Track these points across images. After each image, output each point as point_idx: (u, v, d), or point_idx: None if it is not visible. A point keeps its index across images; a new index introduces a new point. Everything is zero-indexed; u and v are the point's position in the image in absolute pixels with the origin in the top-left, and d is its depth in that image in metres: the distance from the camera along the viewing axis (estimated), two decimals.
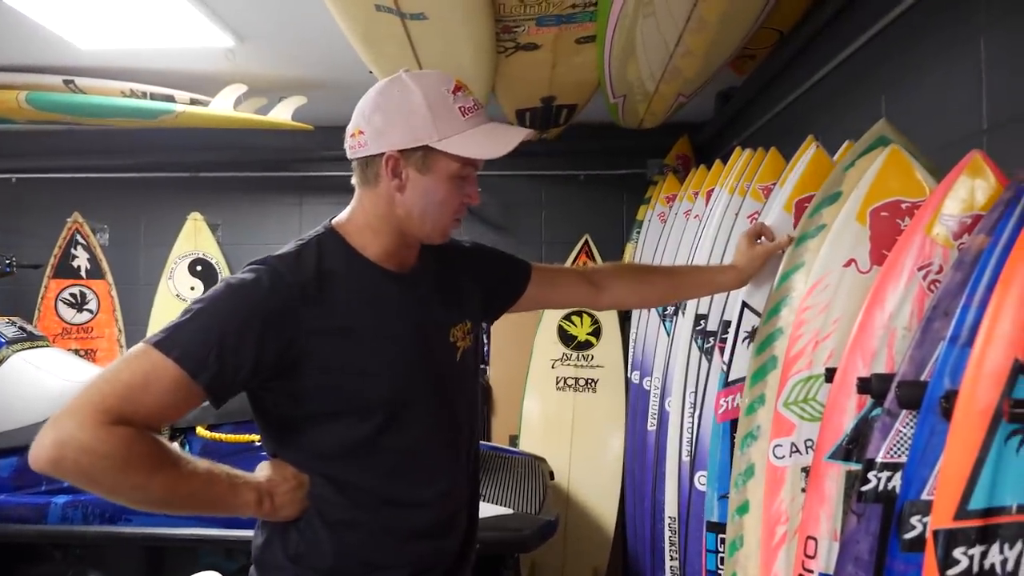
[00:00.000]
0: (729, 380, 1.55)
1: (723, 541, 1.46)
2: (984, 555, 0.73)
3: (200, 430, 2.30)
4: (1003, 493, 0.73)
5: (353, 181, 1.25)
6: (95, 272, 4.16)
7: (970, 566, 0.74)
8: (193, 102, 3.28)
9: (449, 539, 1.27)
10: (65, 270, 4.12)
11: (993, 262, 0.85)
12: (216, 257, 4.18)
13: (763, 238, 1.56)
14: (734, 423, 1.49)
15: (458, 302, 1.33)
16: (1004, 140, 1.34)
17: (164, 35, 2.76)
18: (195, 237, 4.19)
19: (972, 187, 1.05)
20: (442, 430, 1.25)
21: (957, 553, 0.74)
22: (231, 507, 1.14)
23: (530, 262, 1.49)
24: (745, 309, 1.59)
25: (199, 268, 4.16)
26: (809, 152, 1.57)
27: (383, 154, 1.17)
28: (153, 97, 3.23)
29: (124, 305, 4.18)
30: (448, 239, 1.28)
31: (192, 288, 4.14)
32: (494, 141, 1.19)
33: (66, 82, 3.13)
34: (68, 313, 4.12)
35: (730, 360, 1.57)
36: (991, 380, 0.75)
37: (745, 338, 1.56)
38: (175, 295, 4.12)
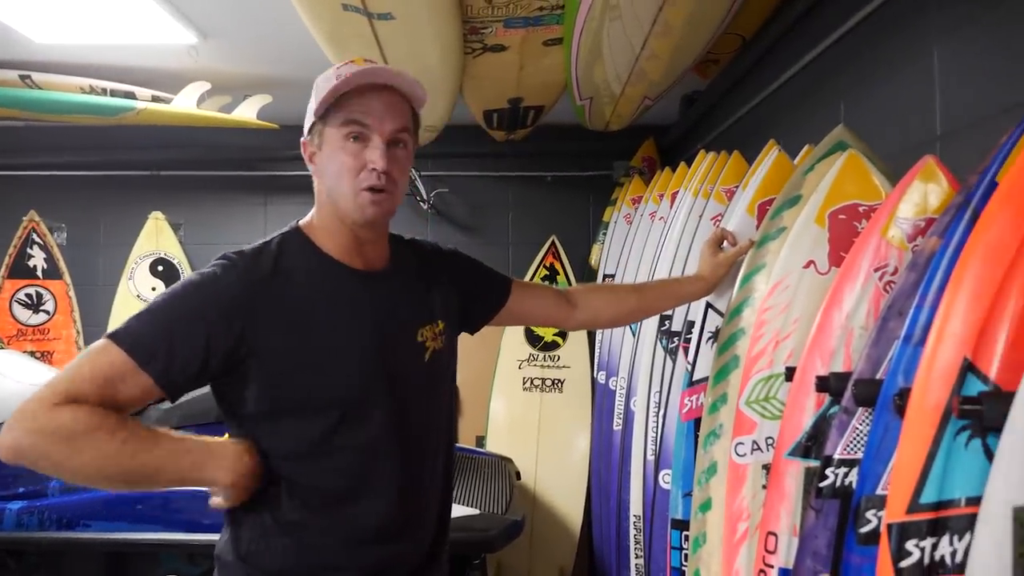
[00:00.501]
0: (693, 380, 1.58)
1: (687, 538, 1.49)
2: (935, 547, 0.76)
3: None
4: (953, 487, 0.75)
5: None
6: (52, 272, 4.06)
7: (921, 558, 0.76)
8: (155, 99, 3.22)
9: (408, 543, 1.25)
10: (20, 270, 4.02)
11: (944, 263, 0.88)
12: (178, 257, 4.11)
13: (726, 244, 1.59)
14: (698, 422, 1.51)
15: (429, 303, 1.32)
16: (956, 146, 1.38)
17: (125, 31, 2.71)
18: (156, 237, 4.11)
19: (925, 191, 1.09)
20: (401, 430, 1.22)
21: (909, 545, 0.76)
22: (181, 463, 1.11)
23: (510, 277, 1.50)
24: (709, 310, 1.61)
25: (160, 268, 4.10)
26: (771, 156, 1.61)
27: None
28: (113, 94, 3.17)
29: (82, 306, 4.10)
30: (377, 216, 1.20)
31: (153, 289, 4.07)
32: (356, 76, 1.17)
33: (22, 77, 3.05)
34: (23, 314, 4.02)
35: (694, 360, 1.60)
36: (942, 378, 0.77)
37: (709, 338, 1.58)
38: (136, 296, 4.05)
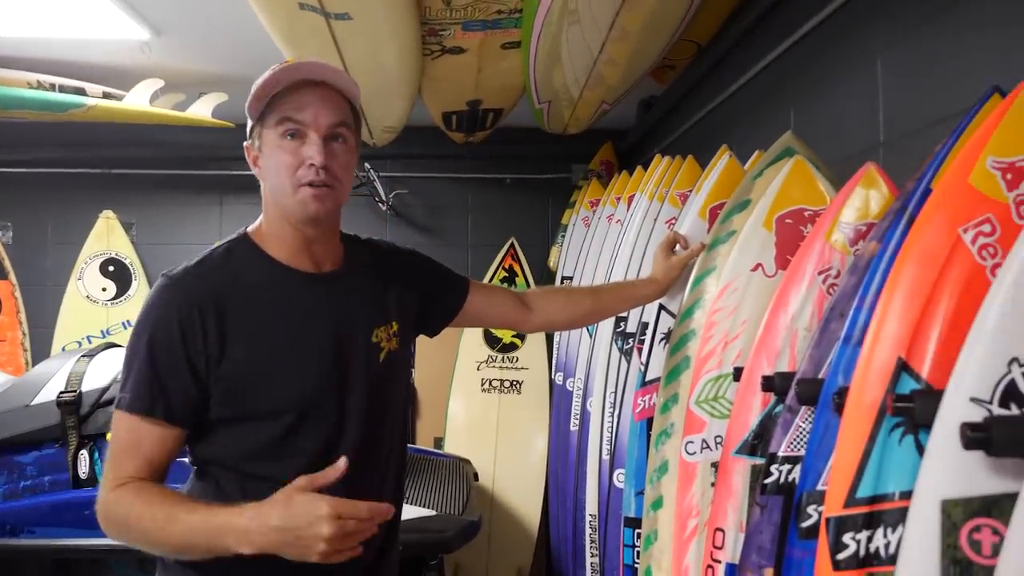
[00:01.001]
0: (646, 380, 1.61)
1: (639, 536, 1.51)
2: (870, 539, 0.79)
3: (110, 436, 2.22)
4: (887, 481, 0.79)
5: None
6: None
7: (857, 550, 0.79)
8: (106, 96, 3.15)
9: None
10: None
11: (882, 267, 0.92)
12: (130, 257, 4.02)
13: (678, 247, 1.62)
14: (650, 421, 1.54)
15: (384, 303, 1.32)
16: (898, 153, 1.43)
17: (75, 25, 2.65)
18: (107, 236, 4.02)
19: (867, 197, 1.13)
20: (355, 431, 1.23)
21: (846, 538, 0.79)
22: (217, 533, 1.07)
23: (468, 278, 1.51)
24: (662, 311, 1.64)
25: (112, 268, 4.01)
26: (723, 161, 1.64)
27: None
28: (63, 89, 3.09)
29: (29, 307, 3.98)
30: (319, 211, 1.18)
31: (104, 289, 3.98)
32: (281, 73, 1.17)
33: None
34: None
35: (647, 360, 1.63)
36: (877, 377, 0.81)
37: (662, 339, 1.61)
38: (85, 296, 3.96)
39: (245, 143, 1.25)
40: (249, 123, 1.23)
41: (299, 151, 1.17)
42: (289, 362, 1.18)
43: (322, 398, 1.20)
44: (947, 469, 0.70)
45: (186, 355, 1.13)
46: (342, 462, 1.05)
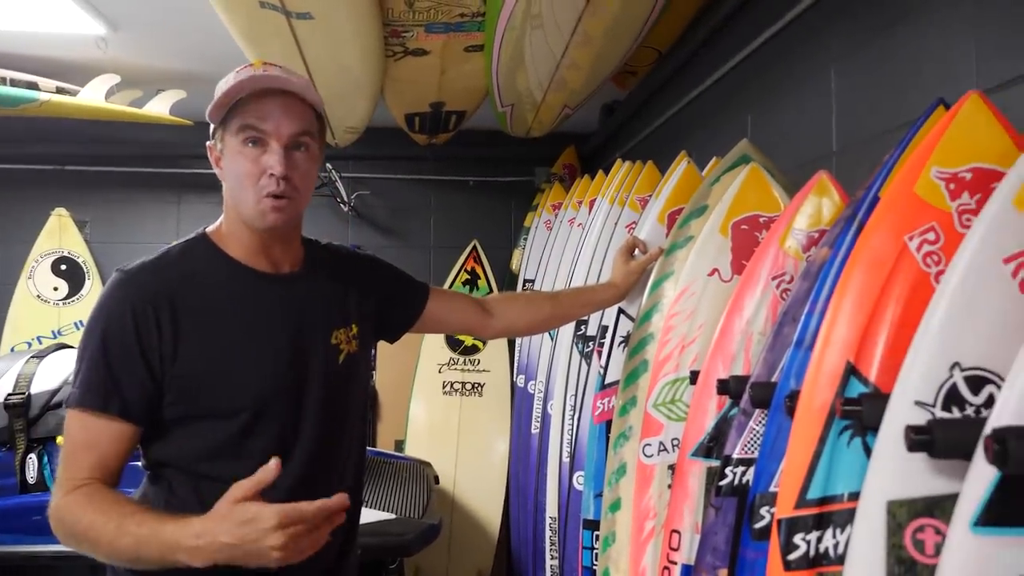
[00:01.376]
0: (605, 383, 1.62)
1: (598, 538, 1.52)
2: (819, 540, 0.80)
3: (61, 440, 2.17)
4: (836, 483, 0.80)
5: None
6: None
7: (807, 550, 0.81)
8: (60, 91, 3.07)
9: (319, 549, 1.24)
10: None
11: (833, 273, 0.94)
12: (84, 256, 3.93)
13: (637, 251, 1.64)
14: (609, 424, 1.55)
15: (344, 306, 1.32)
16: (850, 161, 1.46)
17: (26, 18, 2.58)
18: (59, 234, 3.93)
19: (819, 204, 1.15)
20: (312, 431, 1.22)
21: (797, 539, 0.81)
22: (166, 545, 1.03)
23: (428, 284, 1.51)
24: (621, 315, 1.66)
25: (64, 267, 3.91)
26: (681, 167, 1.66)
27: None
28: (14, 83, 3.00)
29: None
30: (278, 222, 1.18)
31: (56, 288, 3.88)
32: (247, 82, 1.16)
33: None
34: None
35: (606, 364, 1.64)
36: (827, 380, 0.83)
37: (621, 343, 1.63)
38: (35, 296, 3.86)
39: (208, 143, 1.24)
40: (212, 124, 1.22)
41: (260, 160, 1.16)
42: (245, 361, 1.17)
43: (278, 398, 1.19)
44: (892, 470, 0.72)
45: (140, 350, 1.12)
46: (274, 463, 1.00)
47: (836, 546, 0.80)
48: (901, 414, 0.71)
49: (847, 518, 0.79)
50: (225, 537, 0.98)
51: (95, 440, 1.11)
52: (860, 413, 0.78)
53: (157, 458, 1.19)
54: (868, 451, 0.80)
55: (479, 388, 3.57)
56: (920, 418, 0.70)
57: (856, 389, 0.81)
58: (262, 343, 1.19)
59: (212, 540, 0.98)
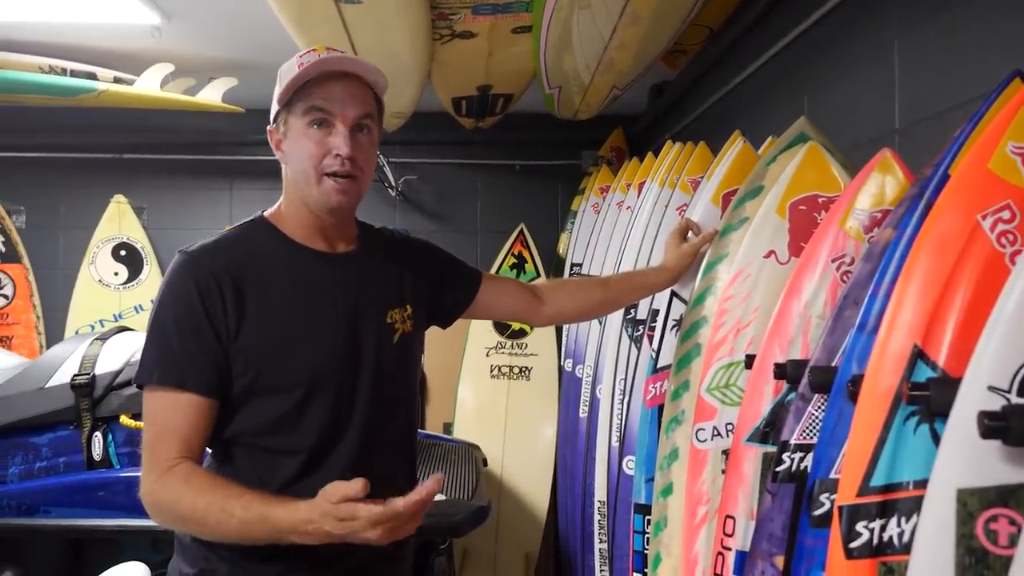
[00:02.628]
0: (657, 367, 1.60)
1: (649, 522, 1.51)
2: (883, 528, 0.78)
3: (124, 419, 2.24)
4: (901, 470, 0.78)
5: None
6: (11, 256, 3.97)
7: (870, 539, 0.78)
8: (117, 81, 3.16)
9: None
10: None
11: (898, 254, 0.91)
12: (142, 241, 4.04)
13: (690, 234, 1.61)
14: (661, 408, 1.53)
15: (399, 286, 1.33)
16: (914, 139, 1.41)
17: (85, 10, 2.65)
18: (119, 221, 4.04)
19: (882, 183, 1.12)
20: (367, 409, 1.24)
21: (859, 527, 0.79)
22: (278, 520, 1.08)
23: (480, 270, 1.51)
24: (674, 298, 1.63)
25: (123, 253, 4.02)
26: (736, 147, 1.63)
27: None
28: (74, 74, 3.09)
29: (42, 291, 4.01)
30: (343, 203, 1.21)
31: (116, 274, 4.00)
32: (316, 64, 1.18)
33: None
34: None
35: (659, 347, 1.62)
36: (893, 365, 0.80)
37: (673, 326, 1.61)
38: (97, 280, 3.98)
39: (269, 127, 1.26)
40: (275, 108, 1.24)
41: (325, 140, 1.19)
42: (302, 338, 1.20)
43: (333, 374, 1.21)
44: (963, 458, 0.69)
45: (209, 323, 1.14)
46: (360, 484, 1.02)
47: (901, 535, 0.77)
48: (973, 400, 0.68)
49: (913, 506, 0.77)
50: (330, 527, 1.03)
51: (177, 418, 1.13)
52: (928, 398, 0.76)
53: (220, 434, 1.21)
54: (935, 438, 0.77)
55: (527, 372, 3.57)
56: (994, 404, 0.67)
57: (923, 374, 0.78)
58: (318, 320, 1.21)
59: (319, 527, 1.03)
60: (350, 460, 1.21)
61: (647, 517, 1.54)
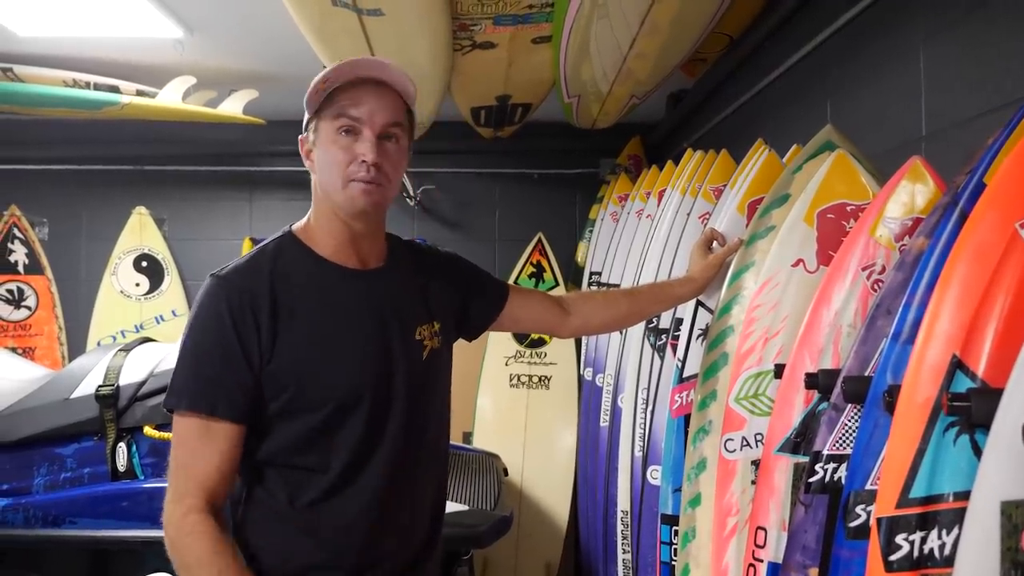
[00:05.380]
0: (683, 376, 1.59)
1: (676, 533, 1.50)
2: (924, 540, 0.77)
3: (148, 430, 2.25)
4: (941, 482, 0.77)
5: None
6: (33, 267, 4.02)
7: (911, 551, 0.77)
8: (139, 94, 3.19)
9: (395, 541, 1.25)
10: (2, 265, 3.98)
11: (932, 263, 0.90)
12: (163, 253, 4.08)
13: (715, 244, 1.60)
14: (687, 418, 1.52)
15: (426, 302, 1.33)
16: (941, 147, 1.40)
17: (109, 24, 2.68)
18: (140, 232, 4.08)
19: (913, 191, 1.11)
20: (397, 426, 1.23)
21: (899, 539, 0.78)
22: None
23: (507, 283, 1.51)
24: (699, 307, 1.62)
25: (145, 264, 4.06)
26: (761, 155, 1.62)
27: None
28: (97, 87, 3.13)
29: (65, 302, 4.06)
30: (368, 206, 1.20)
31: (138, 284, 4.04)
32: (344, 67, 1.19)
33: (3, 70, 3.01)
34: (5, 310, 3.98)
35: (684, 356, 1.61)
36: (931, 375, 0.79)
37: (699, 335, 1.60)
38: (119, 291, 4.02)
39: (300, 136, 1.27)
40: (306, 116, 1.24)
41: (352, 147, 1.19)
42: (333, 357, 1.19)
43: (364, 393, 1.20)
44: (1007, 470, 0.68)
45: (241, 349, 1.14)
46: None
47: (943, 547, 0.76)
48: (1017, 410, 0.67)
49: (954, 518, 0.76)
50: None
51: (206, 445, 1.14)
52: (968, 409, 0.75)
53: (252, 455, 1.20)
54: (976, 449, 0.76)
55: (546, 381, 3.56)
56: None
57: (963, 384, 0.77)
58: (350, 340, 1.21)
59: None
60: (381, 477, 1.21)
61: (674, 528, 1.53)
